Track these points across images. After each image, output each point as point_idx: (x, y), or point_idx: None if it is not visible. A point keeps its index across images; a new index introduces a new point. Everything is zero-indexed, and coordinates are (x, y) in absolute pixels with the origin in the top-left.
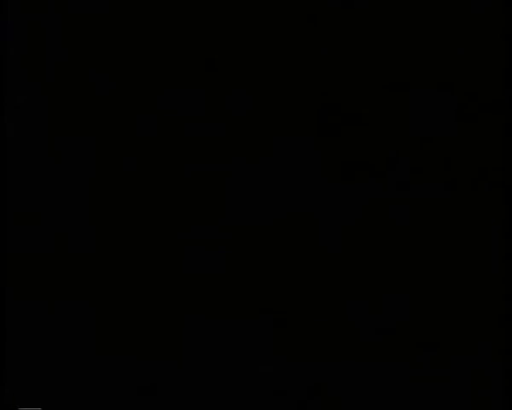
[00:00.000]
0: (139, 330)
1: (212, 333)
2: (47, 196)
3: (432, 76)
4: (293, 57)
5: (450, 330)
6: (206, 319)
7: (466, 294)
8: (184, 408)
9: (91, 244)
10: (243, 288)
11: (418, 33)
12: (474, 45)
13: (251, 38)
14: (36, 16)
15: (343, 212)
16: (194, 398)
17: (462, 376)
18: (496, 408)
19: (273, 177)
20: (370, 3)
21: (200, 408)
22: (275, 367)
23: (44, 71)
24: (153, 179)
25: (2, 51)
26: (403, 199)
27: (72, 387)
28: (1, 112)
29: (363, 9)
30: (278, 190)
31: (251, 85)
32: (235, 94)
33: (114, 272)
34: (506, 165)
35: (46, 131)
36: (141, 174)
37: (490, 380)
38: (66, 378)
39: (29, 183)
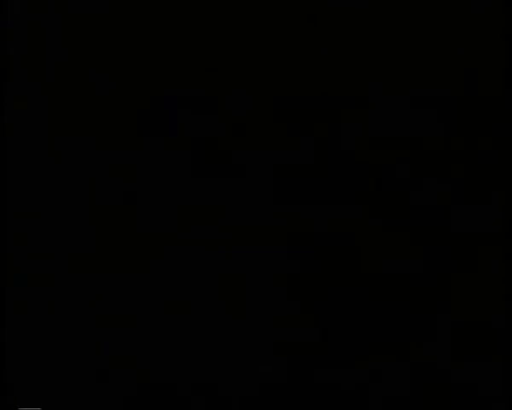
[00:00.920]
0: (139, 331)
1: (213, 333)
2: (47, 196)
3: (432, 76)
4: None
5: (451, 330)
6: (207, 319)
7: (466, 293)
8: (184, 408)
9: (91, 244)
10: (243, 288)
11: (418, 33)
12: (474, 45)
13: (248, 40)
14: (36, 16)
15: (342, 212)
16: (195, 398)
17: (462, 376)
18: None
19: (273, 177)
20: (370, 3)
21: (200, 408)
22: (274, 367)
23: (44, 71)
24: (153, 179)
25: (2, 51)
26: (403, 198)
27: (72, 387)
28: (1, 112)
29: (362, 9)
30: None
31: (251, 85)
32: (235, 94)
33: (114, 272)
34: (506, 165)
35: (46, 131)
36: (141, 174)
37: (490, 380)
38: (66, 379)
39: (29, 183)
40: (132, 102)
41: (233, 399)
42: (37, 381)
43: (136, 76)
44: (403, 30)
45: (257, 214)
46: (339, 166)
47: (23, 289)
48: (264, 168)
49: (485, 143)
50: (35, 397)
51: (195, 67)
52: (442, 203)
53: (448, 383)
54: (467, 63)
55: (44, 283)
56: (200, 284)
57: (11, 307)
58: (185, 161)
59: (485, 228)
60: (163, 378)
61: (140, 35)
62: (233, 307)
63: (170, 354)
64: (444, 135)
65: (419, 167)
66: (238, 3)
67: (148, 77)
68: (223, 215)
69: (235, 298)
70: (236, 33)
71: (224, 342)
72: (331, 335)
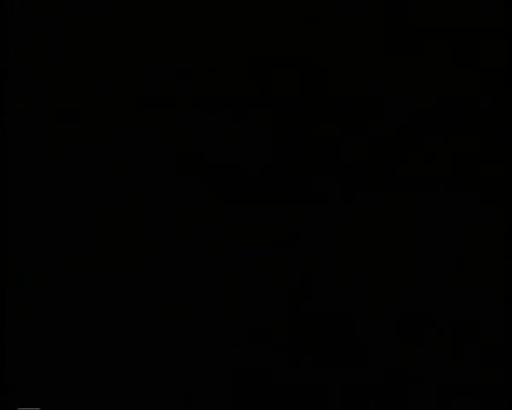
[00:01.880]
0: (139, 331)
1: (213, 333)
2: (47, 196)
3: (432, 76)
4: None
5: (451, 330)
6: (207, 319)
7: (466, 293)
8: (184, 408)
9: (91, 244)
10: (243, 288)
11: (418, 33)
12: (474, 45)
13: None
14: (36, 16)
15: (342, 212)
16: (195, 398)
17: (463, 376)
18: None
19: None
20: (370, 3)
21: (201, 408)
22: (274, 367)
23: (44, 71)
24: (153, 179)
25: (2, 51)
26: (402, 198)
27: (72, 387)
28: (1, 112)
29: (362, 9)
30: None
31: (251, 85)
32: (235, 94)
33: (114, 272)
34: (506, 165)
35: (46, 131)
36: (141, 174)
37: (491, 380)
38: (66, 379)
39: (29, 183)
40: (132, 101)
41: (233, 399)
42: (36, 381)
43: (136, 76)
44: (403, 30)
45: (257, 214)
46: (339, 166)
47: (23, 290)
48: (264, 168)
49: (486, 143)
50: (34, 397)
51: (196, 67)
52: (442, 203)
53: (448, 383)
54: (467, 63)
55: (44, 283)
56: (200, 284)
57: (11, 307)
58: (185, 161)
59: (485, 228)
60: (163, 378)
61: (140, 35)
62: (233, 307)
63: (170, 353)
64: (444, 135)
65: (419, 167)
66: (238, 3)
67: (148, 77)
68: (223, 215)
69: (235, 298)
70: (237, 33)
71: (224, 342)
72: (331, 335)
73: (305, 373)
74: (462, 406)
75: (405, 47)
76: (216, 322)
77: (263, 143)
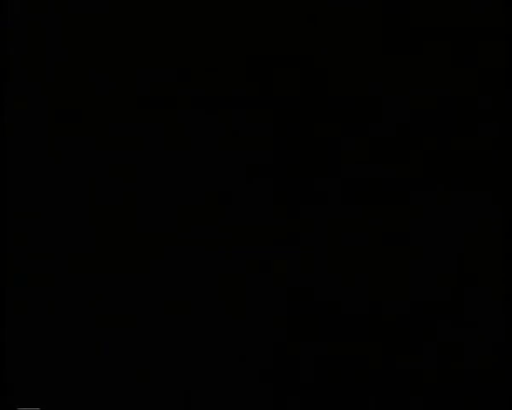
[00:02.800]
0: (139, 331)
1: (213, 333)
2: (47, 196)
3: (432, 76)
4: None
5: (451, 330)
6: (207, 319)
7: (467, 293)
8: (184, 408)
9: (91, 244)
10: (243, 288)
11: (418, 33)
12: (474, 45)
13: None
14: (36, 16)
15: (342, 212)
16: (195, 398)
17: (463, 376)
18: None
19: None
20: (370, 3)
21: (201, 408)
22: (274, 367)
23: (44, 71)
24: (153, 179)
25: (2, 51)
26: (402, 198)
27: (71, 387)
28: (1, 112)
29: (362, 9)
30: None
31: (250, 85)
32: (235, 94)
33: (114, 272)
34: (506, 165)
35: (46, 131)
36: (141, 174)
37: (491, 379)
38: (65, 379)
39: (29, 183)
40: (132, 101)
41: (233, 399)
42: (36, 381)
43: (136, 76)
44: (403, 30)
45: (257, 214)
46: (339, 166)
47: (23, 289)
48: (264, 168)
49: (486, 143)
50: (34, 397)
51: (196, 67)
52: (442, 203)
53: (448, 383)
54: (467, 62)
55: (44, 283)
56: (200, 284)
57: (11, 307)
58: (185, 160)
59: (485, 228)
60: (163, 378)
61: (140, 35)
62: (233, 307)
63: (170, 353)
64: (444, 135)
65: (419, 167)
66: (238, 3)
67: (148, 77)
68: (223, 215)
69: (235, 298)
70: (237, 33)
71: (224, 342)
72: (331, 335)
73: (305, 373)
74: (461, 405)
75: (405, 47)
76: (216, 322)
77: (263, 143)
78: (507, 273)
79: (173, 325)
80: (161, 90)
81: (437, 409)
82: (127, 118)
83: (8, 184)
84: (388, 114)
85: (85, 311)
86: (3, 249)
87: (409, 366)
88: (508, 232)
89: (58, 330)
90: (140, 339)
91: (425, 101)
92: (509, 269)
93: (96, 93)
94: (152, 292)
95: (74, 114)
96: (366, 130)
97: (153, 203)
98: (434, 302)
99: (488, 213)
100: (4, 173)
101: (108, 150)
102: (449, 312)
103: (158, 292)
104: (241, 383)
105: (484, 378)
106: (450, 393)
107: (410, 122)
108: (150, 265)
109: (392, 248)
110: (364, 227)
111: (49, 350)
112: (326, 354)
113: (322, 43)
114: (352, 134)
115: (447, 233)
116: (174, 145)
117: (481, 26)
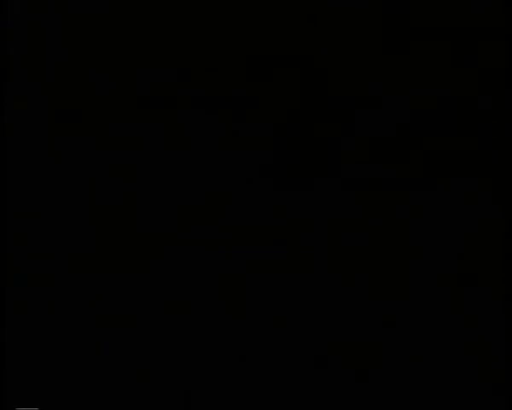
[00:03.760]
0: (139, 331)
1: (213, 333)
2: (47, 196)
3: (432, 76)
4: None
5: (451, 330)
6: (207, 319)
7: (466, 293)
8: (184, 408)
9: (91, 244)
10: (243, 288)
11: (418, 33)
12: (474, 45)
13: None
14: (36, 16)
15: (342, 212)
16: (195, 398)
17: (463, 376)
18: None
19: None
20: (370, 3)
21: (201, 408)
22: (274, 367)
23: (44, 71)
24: (153, 179)
25: (2, 51)
26: (402, 198)
27: (70, 387)
28: (1, 112)
29: (362, 9)
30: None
31: (250, 84)
32: (235, 94)
33: (114, 272)
34: (506, 165)
35: (46, 131)
36: (141, 174)
37: (491, 379)
38: (64, 379)
39: (29, 183)
40: (132, 101)
41: (233, 399)
42: (34, 381)
43: (136, 76)
44: (403, 30)
45: (257, 214)
46: (339, 166)
47: (23, 289)
48: (265, 167)
49: (486, 143)
50: (32, 397)
51: (196, 67)
52: (442, 203)
53: (448, 383)
54: (467, 63)
55: (44, 283)
56: (200, 283)
57: (11, 307)
58: (185, 161)
59: (485, 228)
60: (163, 378)
61: (140, 35)
62: (233, 307)
63: (170, 353)
64: (444, 135)
65: (419, 167)
66: (238, 3)
67: (148, 77)
68: (223, 215)
69: (235, 298)
70: (237, 33)
71: (224, 342)
72: (331, 335)
73: (306, 373)
74: (461, 405)
75: (405, 47)
76: (216, 322)
77: (263, 143)
78: (507, 273)
79: (173, 325)
80: (161, 90)
81: (437, 409)
82: (127, 118)
83: (8, 184)
84: (388, 114)
85: (85, 311)
86: (3, 249)
87: (409, 365)
88: (508, 232)
89: (57, 330)
90: (139, 339)
91: (425, 101)
92: (509, 269)
93: (96, 93)
94: (152, 292)
95: (74, 113)
96: (366, 130)
97: (153, 203)
98: (434, 302)
99: (488, 213)
100: (4, 173)
101: (108, 150)
102: (449, 312)
103: (158, 292)
104: (241, 383)
105: (484, 378)
106: (451, 393)
107: (410, 122)
108: (150, 265)
109: (392, 248)
110: (364, 227)
111: (48, 350)
112: (326, 354)
113: (322, 43)
114: (352, 134)
115: (447, 233)
116: (174, 145)
117: (481, 26)
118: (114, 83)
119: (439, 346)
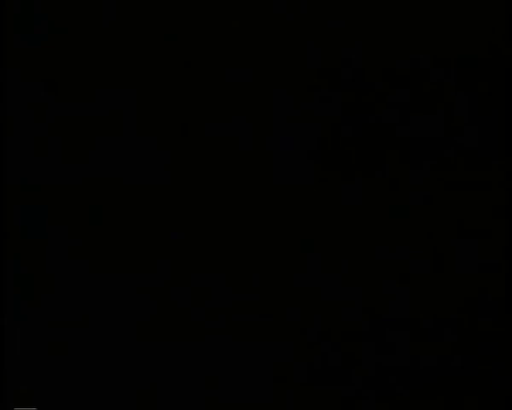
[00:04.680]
0: (138, 331)
1: (213, 333)
2: (47, 196)
3: (432, 75)
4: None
5: (451, 330)
6: (207, 320)
7: (467, 293)
8: (184, 408)
9: (91, 244)
10: (243, 287)
11: (418, 33)
12: (474, 45)
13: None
14: (36, 16)
15: (343, 211)
16: (195, 398)
17: (462, 375)
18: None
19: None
20: (370, 2)
21: (201, 408)
22: (274, 367)
23: (44, 71)
24: (153, 179)
25: (2, 51)
26: (402, 197)
27: (68, 387)
28: (1, 112)
29: (361, 8)
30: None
31: (250, 84)
32: (235, 94)
33: (115, 272)
34: (506, 165)
35: (46, 131)
36: (141, 174)
37: (491, 379)
38: (63, 379)
39: (29, 183)
40: (132, 101)
41: (234, 399)
42: (33, 381)
43: (136, 76)
44: (403, 26)
45: (257, 214)
46: (339, 165)
47: (23, 289)
48: (264, 167)
49: (485, 143)
50: (31, 397)
51: (196, 67)
52: (442, 203)
53: (448, 383)
54: (467, 62)
55: (43, 282)
56: (200, 283)
57: (11, 307)
58: (185, 161)
59: (486, 228)
60: (163, 378)
61: (140, 35)
62: (233, 306)
63: (170, 354)
64: (443, 135)
65: (419, 167)
66: (238, 3)
67: (148, 77)
68: (223, 215)
69: (236, 298)
70: (237, 33)
71: (225, 342)
72: (331, 334)
73: (305, 373)
74: (462, 405)
75: (405, 47)
76: (216, 322)
77: (263, 143)
78: (507, 273)
79: (173, 325)
80: (161, 89)
81: (437, 409)
82: (127, 118)
83: (8, 184)
84: (388, 110)
85: (84, 311)
86: (3, 250)
87: (409, 365)
88: (508, 232)
89: (56, 330)
90: (139, 339)
91: (425, 100)
92: (508, 269)
93: (96, 93)
94: (152, 292)
95: (74, 114)
96: (366, 130)
97: (153, 203)
98: (434, 302)
99: (488, 213)
100: (4, 173)
101: (108, 150)
102: (449, 312)
103: (158, 292)
104: (241, 383)
105: (484, 378)
106: (451, 393)
107: (410, 122)
108: (151, 265)
109: (392, 247)
110: (364, 226)
111: (47, 350)
112: (326, 353)
113: (322, 43)
114: (352, 134)
115: (447, 233)
116: (174, 145)
117: (481, 25)
118: (114, 83)
119: (439, 346)
